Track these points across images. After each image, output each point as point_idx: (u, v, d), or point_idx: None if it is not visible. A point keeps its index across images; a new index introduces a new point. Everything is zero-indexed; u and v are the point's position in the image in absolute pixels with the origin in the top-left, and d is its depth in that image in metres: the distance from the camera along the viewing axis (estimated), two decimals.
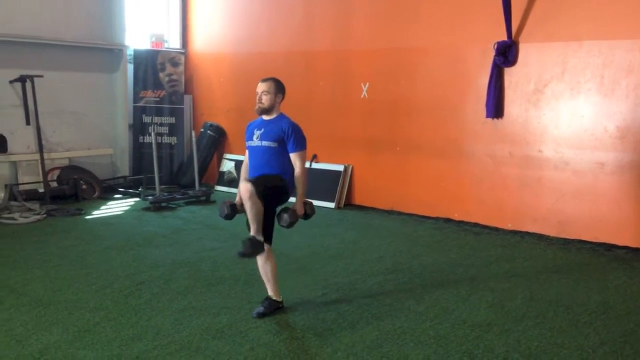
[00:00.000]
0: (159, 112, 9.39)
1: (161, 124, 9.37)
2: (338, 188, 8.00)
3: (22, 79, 7.82)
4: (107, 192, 8.68)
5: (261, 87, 4.12)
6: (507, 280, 5.01)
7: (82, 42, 8.56)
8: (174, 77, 9.50)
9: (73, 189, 8.13)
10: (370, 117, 7.85)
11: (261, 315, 4.07)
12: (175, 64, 9.52)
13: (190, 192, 8.28)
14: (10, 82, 7.82)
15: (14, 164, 8.00)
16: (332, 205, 7.96)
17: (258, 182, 3.87)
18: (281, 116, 4.16)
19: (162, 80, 9.42)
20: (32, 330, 3.80)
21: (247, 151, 4.27)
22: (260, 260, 4.10)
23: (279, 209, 4.12)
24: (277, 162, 4.07)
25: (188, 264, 5.36)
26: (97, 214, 7.47)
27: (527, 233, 6.51)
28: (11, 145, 7.35)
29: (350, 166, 8.11)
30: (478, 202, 6.96)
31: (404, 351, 3.60)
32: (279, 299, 4.20)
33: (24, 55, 7.95)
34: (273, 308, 4.14)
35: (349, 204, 8.08)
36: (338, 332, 3.87)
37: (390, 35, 7.58)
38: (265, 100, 4.09)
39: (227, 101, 9.44)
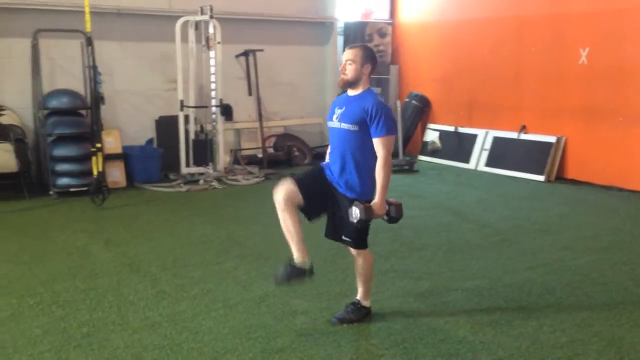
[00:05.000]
0: None
1: None
2: (549, 160, 7.56)
3: (245, 54, 8.59)
4: (316, 159, 9.22)
5: (346, 55, 3.44)
6: None
7: (298, 17, 9.12)
8: (381, 47, 9.67)
9: (287, 155, 8.80)
10: (589, 85, 7.25)
11: (341, 321, 3.56)
12: (382, 34, 9.68)
13: (394, 162, 8.40)
14: (236, 56, 8.63)
15: (238, 131, 8.87)
16: (541, 178, 7.56)
17: (303, 182, 3.39)
18: (367, 92, 3.44)
19: None
20: (254, 279, 4.25)
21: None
22: (358, 259, 3.57)
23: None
24: (356, 150, 3.39)
25: (390, 229, 5.37)
26: None
27: None
28: (235, 114, 8.18)
29: (564, 138, 7.59)
30: None
31: (619, 333, 3.36)
32: (367, 305, 3.64)
33: (247, 31, 8.70)
34: (359, 315, 3.60)
35: (560, 178, 7.61)
36: (544, 307, 3.73)
37: None
38: (350, 70, 3.40)
39: (432, 71, 9.38)
